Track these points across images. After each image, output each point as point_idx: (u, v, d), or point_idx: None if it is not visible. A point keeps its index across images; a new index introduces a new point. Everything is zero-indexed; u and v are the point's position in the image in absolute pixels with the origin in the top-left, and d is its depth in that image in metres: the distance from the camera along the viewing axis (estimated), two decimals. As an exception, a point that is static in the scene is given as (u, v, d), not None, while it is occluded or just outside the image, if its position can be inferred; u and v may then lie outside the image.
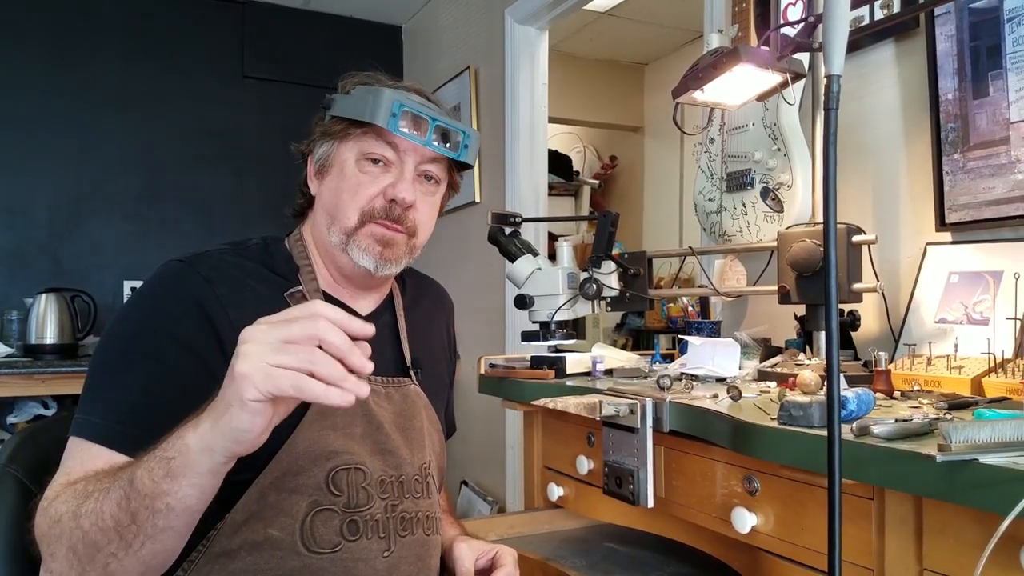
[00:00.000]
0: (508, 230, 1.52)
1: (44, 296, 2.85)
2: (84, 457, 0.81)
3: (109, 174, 3.30)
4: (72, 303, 2.92)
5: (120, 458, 0.80)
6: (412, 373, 1.03)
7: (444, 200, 1.06)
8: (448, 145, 0.97)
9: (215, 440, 0.66)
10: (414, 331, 1.07)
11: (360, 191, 0.95)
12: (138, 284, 0.95)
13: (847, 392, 0.86)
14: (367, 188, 0.95)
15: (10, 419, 2.87)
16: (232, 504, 0.84)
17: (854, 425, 0.80)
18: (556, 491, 1.45)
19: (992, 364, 1.05)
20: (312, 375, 0.63)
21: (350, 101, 0.95)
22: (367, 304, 1.03)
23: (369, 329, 0.67)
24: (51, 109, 3.21)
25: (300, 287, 0.96)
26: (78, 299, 2.95)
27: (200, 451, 0.67)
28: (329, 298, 0.98)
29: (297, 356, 0.63)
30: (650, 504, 1.12)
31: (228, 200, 3.52)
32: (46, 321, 2.83)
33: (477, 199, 3.03)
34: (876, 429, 0.78)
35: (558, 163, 4.42)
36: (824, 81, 0.69)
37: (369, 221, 0.95)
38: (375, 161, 0.96)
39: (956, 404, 0.93)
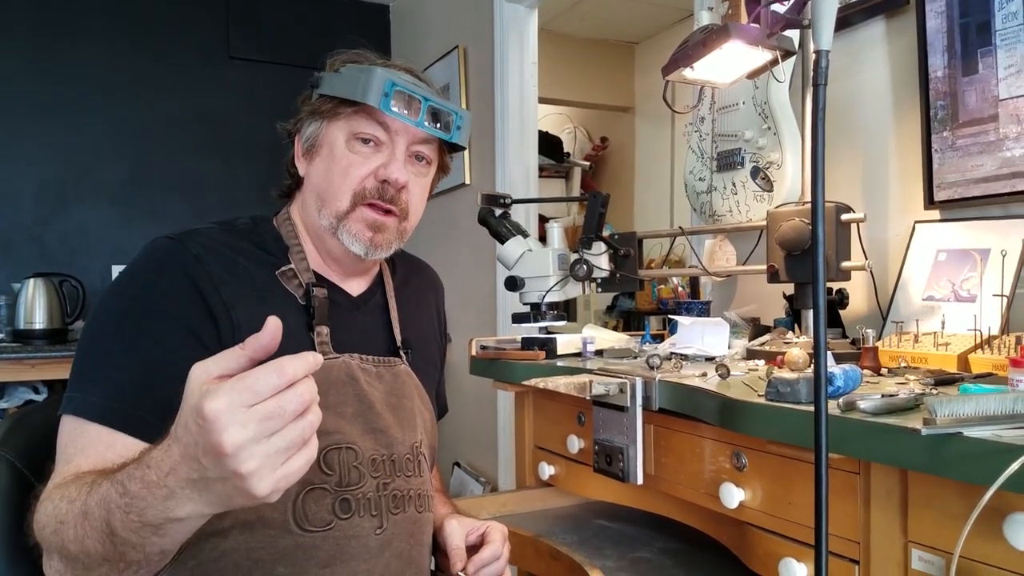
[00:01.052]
0: (498, 211, 1.51)
1: (32, 281, 2.83)
2: (84, 442, 0.79)
3: (95, 158, 3.27)
4: (60, 288, 2.90)
5: (119, 437, 0.79)
6: (403, 353, 1.03)
7: (434, 183, 1.05)
8: (440, 126, 0.96)
9: (212, 508, 0.62)
10: (404, 312, 1.07)
11: (351, 172, 0.93)
12: (126, 269, 0.93)
13: (834, 369, 0.87)
14: (358, 169, 0.94)
15: (1, 404, 2.86)
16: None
17: (841, 401, 0.81)
18: (547, 470, 1.47)
19: (978, 341, 1.06)
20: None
21: (340, 79, 0.94)
22: (357, 285, 1.03)
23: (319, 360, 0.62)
24: (36, 94, 3.16)
25: (291, 266, 0.95)
26: (66, 284, 2.94)
27: (193, 517, 0.63)
28: (320, 278, 0.97)
29: (292, 432, 0.60)
30: (639, 481, 1.13)
31: (215, 183, 3.49)
32: (35, 306, 2.81)
33: (467, 181, 3.02)
34: (862, 404, 0.79)
35: (549, 145, 4.39)
36: (813, 57, 0.69)
37: (361, 203, 0.94)
38: (366, 141, 0.94)
39: (942, 380, 0.94)
